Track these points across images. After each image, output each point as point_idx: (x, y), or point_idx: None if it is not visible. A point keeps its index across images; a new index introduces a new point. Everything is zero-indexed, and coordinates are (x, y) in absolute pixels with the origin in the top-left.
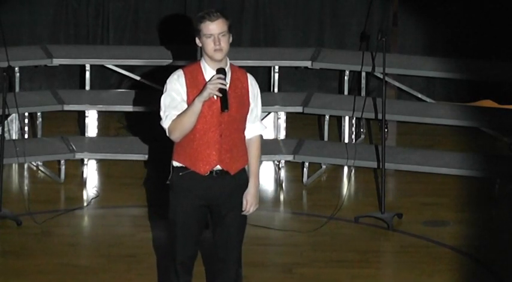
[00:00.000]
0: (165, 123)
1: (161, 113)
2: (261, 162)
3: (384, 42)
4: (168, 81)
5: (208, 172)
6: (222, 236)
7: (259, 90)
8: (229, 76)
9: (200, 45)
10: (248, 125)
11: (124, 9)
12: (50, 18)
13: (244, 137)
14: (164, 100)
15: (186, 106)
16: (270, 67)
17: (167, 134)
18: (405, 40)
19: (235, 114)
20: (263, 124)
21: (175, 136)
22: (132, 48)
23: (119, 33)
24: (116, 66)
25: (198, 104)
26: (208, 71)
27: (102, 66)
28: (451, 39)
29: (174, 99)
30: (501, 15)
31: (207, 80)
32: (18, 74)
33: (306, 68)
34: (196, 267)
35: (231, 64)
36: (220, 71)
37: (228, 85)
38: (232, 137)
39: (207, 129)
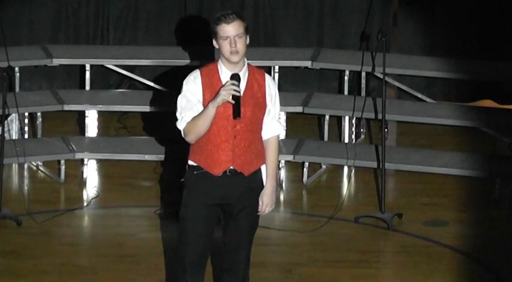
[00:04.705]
0: (181, 125)
1: (177, 114)
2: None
3: (384, 42)
4: (184, 82)
5: (222, 172)
6: (233, 236)
7: (277, 91)
8: (246, 77)
9: (217, 47)
10: (265, 125)
11: (124, 9)
12: (50, 18)
13: (261, 137)
14: (180, 102)
15: (201, 107)
16: (270, 67)
17: (182, 135)
18: (405, 40)
19: (251, 116)
20: (281, 124)
21: (191, 138)
22: (132, 48)
23: (119, 33)
24: (116, 66)
25: (211, 109)
26: (224, 72)
27: (102, 66)
28: (451, 39)
29: (190, 101)
30: (501, 15)
31: (223, 81)
32: (18, 74)
33: (306, 68)
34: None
35: (249, 64)
36: (235, 77)
37: (242, 91)
38: (247, 138)
39: (222, 130)
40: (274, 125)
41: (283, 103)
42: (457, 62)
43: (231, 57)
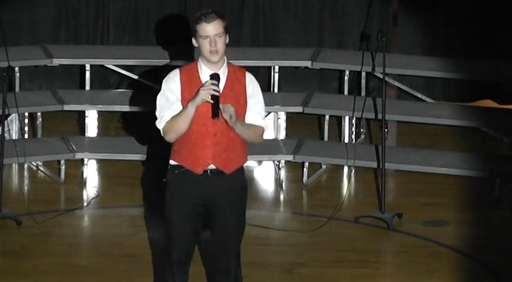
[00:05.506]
0: (160, 125)
1: (156, 113)
2: (260, 162)
3: (384, 42)
4: (164, 80)
5: (203, 171)
6: (219, 236)
7: (259, 88)
8: (226, 75)
9: (197, 45)
10: (247, 120)
11: (124, 9)
12: (50, 18)
13: None
14: (159, 100)
15: (180, 106)
16: (270, 67)
17: (162, 135)
18: (405, 40)
19: None
20: (266, 121)
21: (170, 137)
22: (132, 48)
23: (119, 33)
24: (116, 66)
25: (191, 109)
26: (204, 71)
27: (102, 66)
28: (451, 39)
29: (169, 100)
30: (501, 15)
31: (202, 80)
32: (18, 74)
33: (306, 68)
34: (198, 267)
35: (229, 63)
36: (214, 77)
37: (221, 91)
38: (227, 136)
39: (202, 128)
40: (256, 118)
41: (283, 103)
42: (457, 62)
43: (210, 57)
